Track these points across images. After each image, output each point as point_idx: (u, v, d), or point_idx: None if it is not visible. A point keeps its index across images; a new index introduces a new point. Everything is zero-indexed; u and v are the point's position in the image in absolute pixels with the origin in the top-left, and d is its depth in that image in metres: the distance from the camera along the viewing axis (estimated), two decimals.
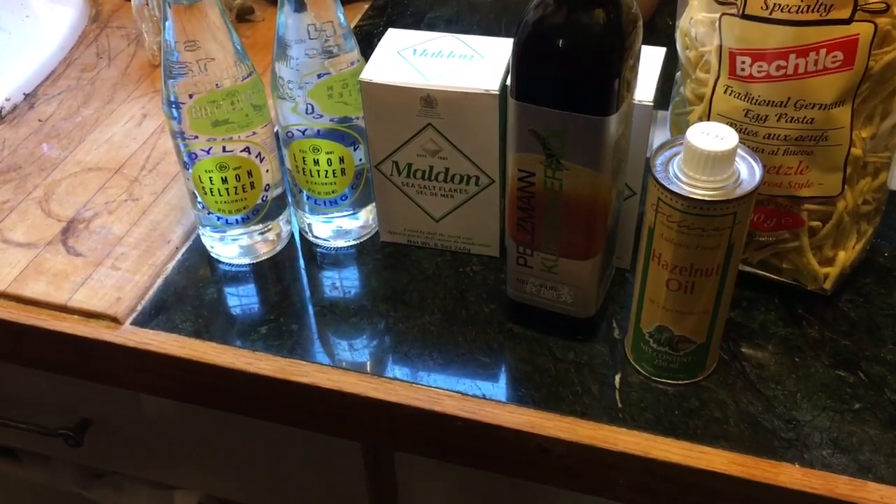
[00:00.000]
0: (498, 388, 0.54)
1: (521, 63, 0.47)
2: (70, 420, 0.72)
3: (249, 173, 0.58)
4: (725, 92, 0.52)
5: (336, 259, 0.63)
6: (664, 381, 0.53)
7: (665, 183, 0.46)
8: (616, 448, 0.50)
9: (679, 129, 0.57)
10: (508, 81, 0.48)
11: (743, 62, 0.50)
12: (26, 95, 0.80)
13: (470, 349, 0.56)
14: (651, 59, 0.55)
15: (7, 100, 0.78)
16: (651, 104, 0.53)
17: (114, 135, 0.75)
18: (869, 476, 0.48)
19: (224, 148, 0.56)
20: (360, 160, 0.60)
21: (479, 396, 0.53)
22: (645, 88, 0.53)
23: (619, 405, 0.52)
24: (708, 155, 0.44)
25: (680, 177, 0.46)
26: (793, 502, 0.48)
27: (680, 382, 0.53)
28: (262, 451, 0.69)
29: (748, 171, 0.46)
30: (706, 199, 0.45)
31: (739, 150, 0.46)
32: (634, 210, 0.58)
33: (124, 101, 0.79)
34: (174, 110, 0.55)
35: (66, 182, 0.70)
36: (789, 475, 0.49)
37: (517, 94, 0.47)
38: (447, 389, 0.54)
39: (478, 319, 0.58)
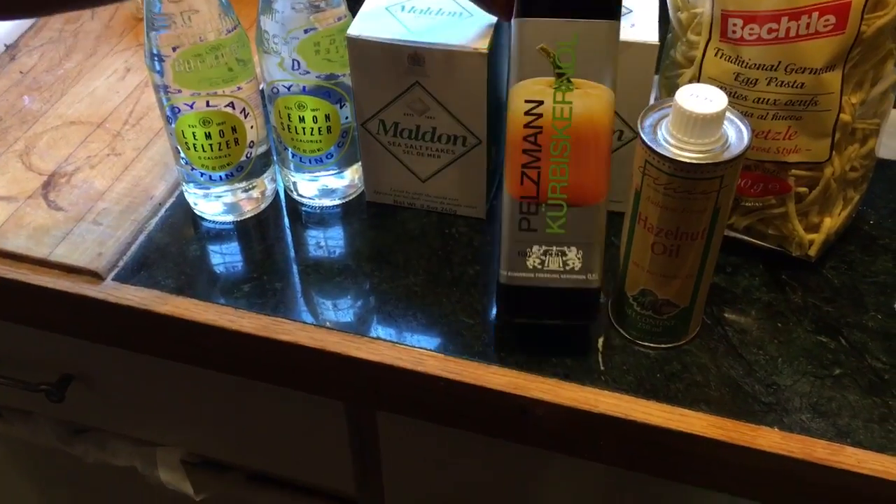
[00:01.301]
0: (481, 349, 0.54)
1: None
2: (52, 375, 0.71)
3: (234, 129, 0.57)
4: (716, 55, 0.51)
5: (321, 218, 0.63)
6: (647, 344, 0.53)
7: (652, 145, 0.45)
8: (597, 410, 0.51)
9: (669, 92, 0.57)
10: (508, 30, 0.48)
11: (734, 24, 0.49)
12: (7, 47, 0.78)
13: (454, 310, 0.56)
14: (644, 4, 0.55)
15: None
16: (656, 43, 0.53)
17: (96, 88, 0.73)
18: (847, 441, 0.49)
19: (208, 103, 0.55)
20: (347, 118, 0.59)
21: (463, 357, 0.53)
22: (647, 30, 0.53)
23: (602, 368, 0.53)
24: (696, 117, 0.44)
25: (668, 139, 0.45)
26: (771, 465, 0.49)
27: (663, 346, 0.53)
28: (246, 409, 0.69)
29: (736, 135, 0.46)
30: (693, 161, 0.45)
31: (728, 114, 0.46)
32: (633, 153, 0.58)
33: (107, 54, 0.77)
34: (157, 63, 0.54)
35: (48, 135, 0.69)
36: (768, 439, 0.49)
37: (524, 10, 0.47)
38: (431, 350, 0.54)
39: (462, 281, 0.58)
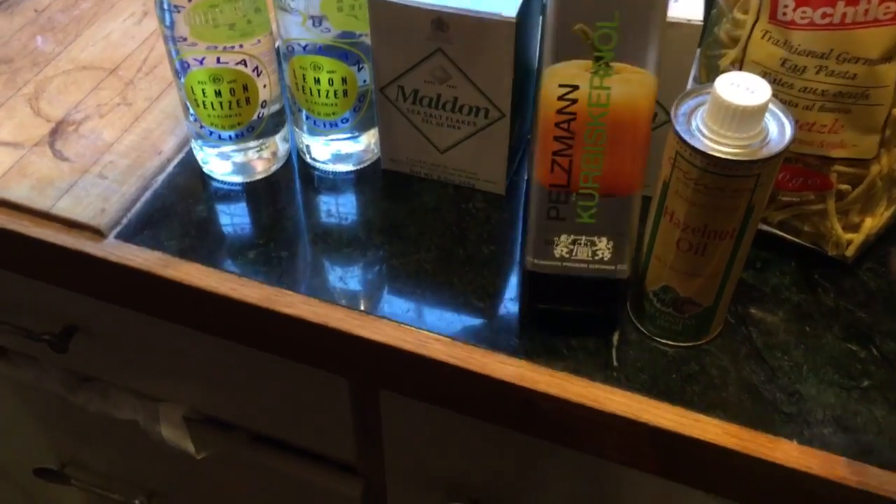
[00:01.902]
0: (490, 335, 0.51)
1: None
2: (56, 325, 0.70)
3: (245, 87, 0.54)
4: (763, 37, 0.47)
5: (333, 184, 0.60)
6: (665, 342, 0.51)
7: (685, 136, 0.42)
8: (606, 409, 0.48)
9: (709, 72, 0.53)
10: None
11: (786, 6, 0.45)
12: None
13: (464, 291, 0.53)
14: None
15: None
16: (700, 23, 0.49)
17: (112, 32, 0.71)
18: (870, 460, 0.46)
19: (218, 59, 0.53)
20: (364, 81, 0.56)
21: (470, 343, 0.51)
22: (692, 7, 0.49)
23: (615, 364, 0.50)
24: (736, 109, 0.40)
25: (703, 130, 0.42)
26: (787, 480, 0.46)
27: (681, 345, 0.50)
28: (250, 373, 0.68)
29: (778, 129, 0.42)
30: (729, 157, 0.41)
31: (770, 106, 0.42)
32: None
33: None
34: (167, 14, 0.51)
35: (59, 80, 0.67)
36: (786, 452, 0.46)
37: None
38: (437, 333, 0.51)
39: (476, 260, 0.55)
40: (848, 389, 0.49)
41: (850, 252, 0.53)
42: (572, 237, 0.47)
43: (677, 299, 0.48)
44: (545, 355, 0.50)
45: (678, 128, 0.42)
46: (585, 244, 0.48)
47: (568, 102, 0.45)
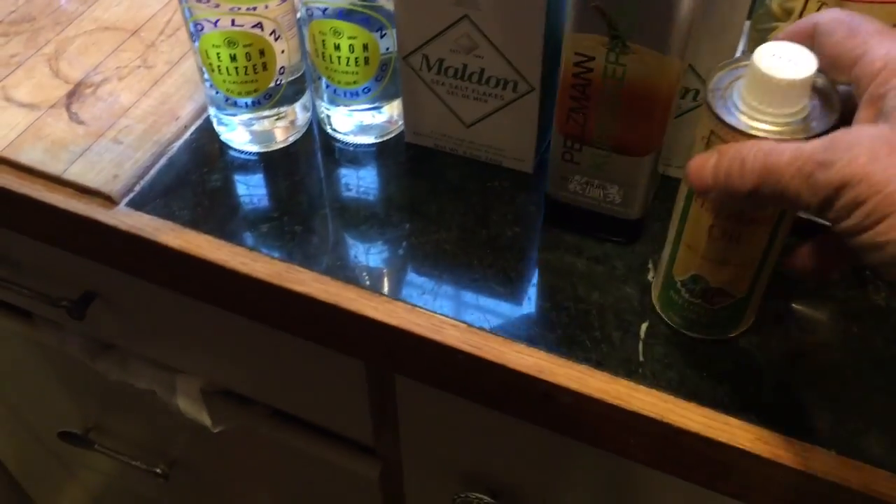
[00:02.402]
0: (509, 322, 0.48)
1: None
2: (75, 292, 0.69)
3: (262, 52, 0.52)
4: (819, 9, 0.43)
5: (354, 157, 0.58)
6: (691, 334, 0.47)
7: (720, 113, 0.38)
8: (629, 407, 0.45)
9: (758, 46, 0.49)
10: None
11: None
12: None
13: (484, 275, 0.51)
14: None
15: None
16: None
17: None
18: None
19: (233, 21, 0.50)
20: (388, 49, 0.53)
21: (487, 330, 0.48)
22: None
23: (641, 359, 0.47)
24: (778, 83, 0.36)
25: (739, 106, 0.38)
26: (822, 493, 0.43)
27: (709, 337, 0.47)
28: (267, 348, 0.66)
29: (822, 105, 0.38)
30: (771, 137, 0.37)
31: (816, 80, 0.38)
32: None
33: None
34: None
35: (80, 40, 0.65)
36: (823, 462, 0.43)
37: None
38: (452, 318, 0.48)
39: (498, 243, 0.52)
40: (894, 397, 0.45)
41: None
42: (585, 178, 0.49)
43: (707, 290, 0.45)
44: (567, 346, 0.47)
45: (712, 103, 0.38)
46: (598, 187, 0.49)
47: (584, 70, 0.44)
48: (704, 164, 0.37)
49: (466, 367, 0.48)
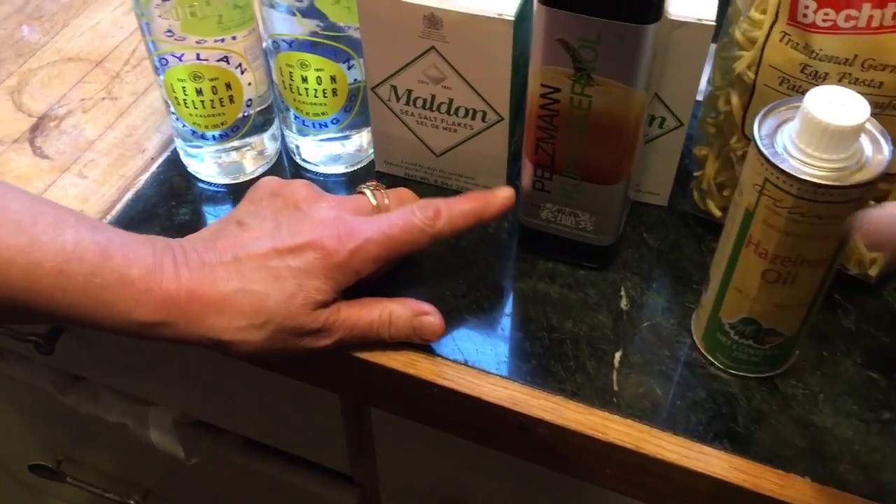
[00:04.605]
0: (482, 354, 0.48)
1: None
2: (42, 327, 0.68)
3: (228, 86, 0.51)
4: (781, 40, 0.43)
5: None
6: (740, 373, 0.47)
7: (776, 161, 0.37)
8: (605, 438, 0.45)
9: (723, 73, 0.49)
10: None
11: (806, 6, 0.41)
12: None
13: (457, 306, 0.50)
14: None
15: None
16: (713, 23, 0.46)
17: (100, 21, 0.68)
18: (889, 502, 0.42)
19: (198, 55, 0.50)
20: (355, 80, 0.53)
21: (461, 362, 0.48)
22: (704, 5, 0.46)
23: (615, 388, 0.47)
24: (834, 129, 0.36)
25: (791, 151, 0.38)
26: None
27: (757, 376, 0.47)
28: (240, 378, 0.65)
29: (872, 147, 0.38)
30: (830, 182, 0.37)
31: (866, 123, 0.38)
32: (678, 143, 0.51)
33: None
34: (143, 7, 0.48)
35: (43, 72, 0.64)
36: (798, 490, 0.43)
37: None
38: (424, 351, 0.48)
39: (471, 272, 0.52)
40: (867, 422, 0.45)
41: (873, 272, 0.49)
42: (557, 206, 0.50)
43: (759, 331, 0.44)
44: (541, 377, 0.47)
45: (766, 152, 0.38)
46: (570, 214, 0.50)
47: (550, 101, 0.44)
48: None
49: (441, 400, 0.48)
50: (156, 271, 0.40)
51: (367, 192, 0.47)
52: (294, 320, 0.42)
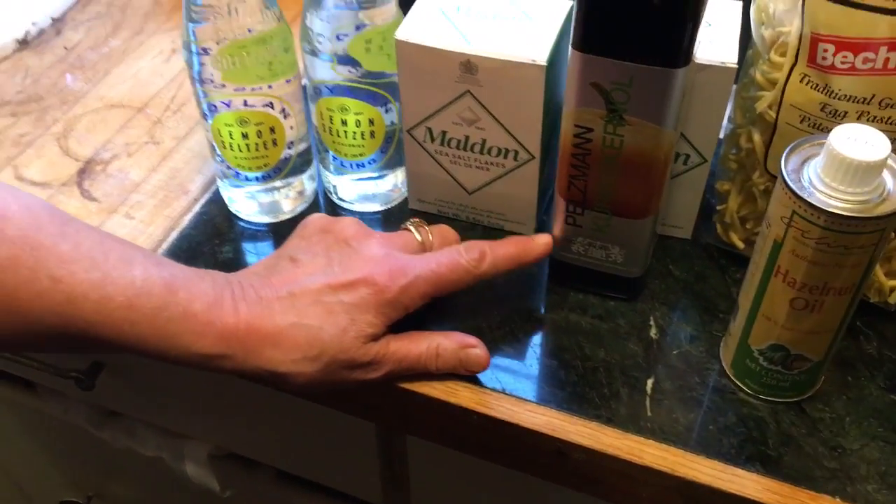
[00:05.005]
0: (519, 382, 0.50)
1: (588, 12, 0.42)
2: (82, 362, 0.70)
3: (272, 130, 0.54)
4: (801, 81, 0.46)
5: None
6: (769, 398, 0.49)
7: (803, 194, 0.40)
8: (641, 461, 0.47)
9: (744, 113, 0.52)
10: (570, 38, 0.44)
11: (825, 50, 0.44)
12: (54, 20, 0.76)
13: (493, 337, 0.52)
14: (726, 17, 0.51)
15: (33, 24, 0.74)
16: (735, 66, 0.48)
17: (140, 70, 0.71)
18: None
19: (245, 102, 0.52)
20: (392, 122, 0.55)
21: (499, 390, 0.50)
22: (727, 49, 0.48)
23: (649, 414, 0.48)
24: (859, 164, 0.39)
25: (818, 186, 0.40)
26: None
27: (785, 400, 0.49)
28: (277, 411, 0.67)
29: (893, 180, 0.41)
30: (855, 214, 0.39)
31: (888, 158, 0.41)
32: (701, 179, 0.54)
33: (154, 32, 0.75)
34: (195, 57, 0.51)
35: (87, 118, 0.67)
36: None
37: (581, 46, 0.43)
38: (464, 380, 0.50)
39: (505, 305, 0.54)
40: (893, 443, 0.47)
41: (892, 299, 0.52)
42: (588, 240, 0.52)
43: (787, 357, 0.46)
44: (577, 404, 0.49)
45: (793, 186, 0.40)
46: (600, 247, 0.52)
47: (583, 140, 0.47)
48: None
49: (480, 428, 0.50)
50: (216, 305, 0.43)
51: (412, 228, 0.50)
52: (346, 353, 0.44)
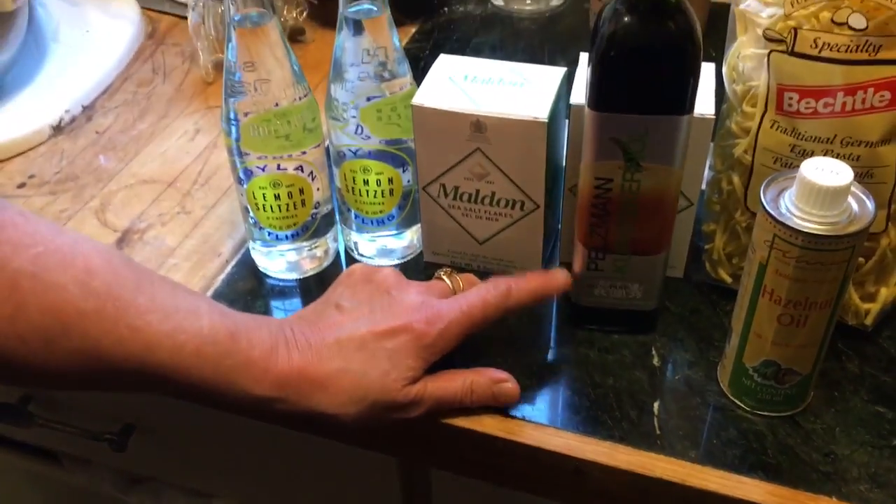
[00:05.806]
0: (538, 410, 0.55)
1: (603, 74, 0.48)
2: (114, 425, 0.73)
3: (301, 191, 0.60)
4: (772, 126, 0.53)
5: None
6: (766, 413, 0.54)
7: (782, 219, 0.46)
8: (653, 474, 0.51)
9: (723, 160, 0.58)
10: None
11: (790, 98, 0.51)
12: (84, 108, 0.82)
13: (511, 370, 0.57)
14: (702, 76, 0.57)
15: (66, 111, 0.81)
16: (713, 117, 0.55)
17: (168, 149, 0.77)
18: None
19: (279, 166, 0.58)
20: (408, 181, 0.61)
21: (520, 418, 0.54)
22: (704, 102, 0.54)
23: (658, 432, 0.53)
24: (827, 190, 0.45)
25: (794, 212, 0.46)
26: None
27: (780, 415, 0.53)
28: (300, 461, 0.71)
29: (858, 205, 0.47)
30: (828, 234, 0.45)
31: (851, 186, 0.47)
32: (689, 221, 0.60)
33: (178, 116, 0.81)
34: (233, 128, 0.57)
35: (122, 193, 0.72)
36: None
37: (597, 105, 0.49)
38: (489, 410, 0.55)
39: (519, 342, 0.59)
40: (879, 448, 0.52)
41: (868, 321, 0.57)
42: (609, 282, 0.56)
43: (779, 371, 0.51)
44: (591, 426, 0.53)
45: (773, 213, 0.46)
46: (620, 287, 0.57)
47: (603, 191, 0.52)
48: None
49: (504, 454, 0.54)
50: (272, 353, 0.47)
51: (445, 277, 0.55)
52: (388, 395, 0.49)
